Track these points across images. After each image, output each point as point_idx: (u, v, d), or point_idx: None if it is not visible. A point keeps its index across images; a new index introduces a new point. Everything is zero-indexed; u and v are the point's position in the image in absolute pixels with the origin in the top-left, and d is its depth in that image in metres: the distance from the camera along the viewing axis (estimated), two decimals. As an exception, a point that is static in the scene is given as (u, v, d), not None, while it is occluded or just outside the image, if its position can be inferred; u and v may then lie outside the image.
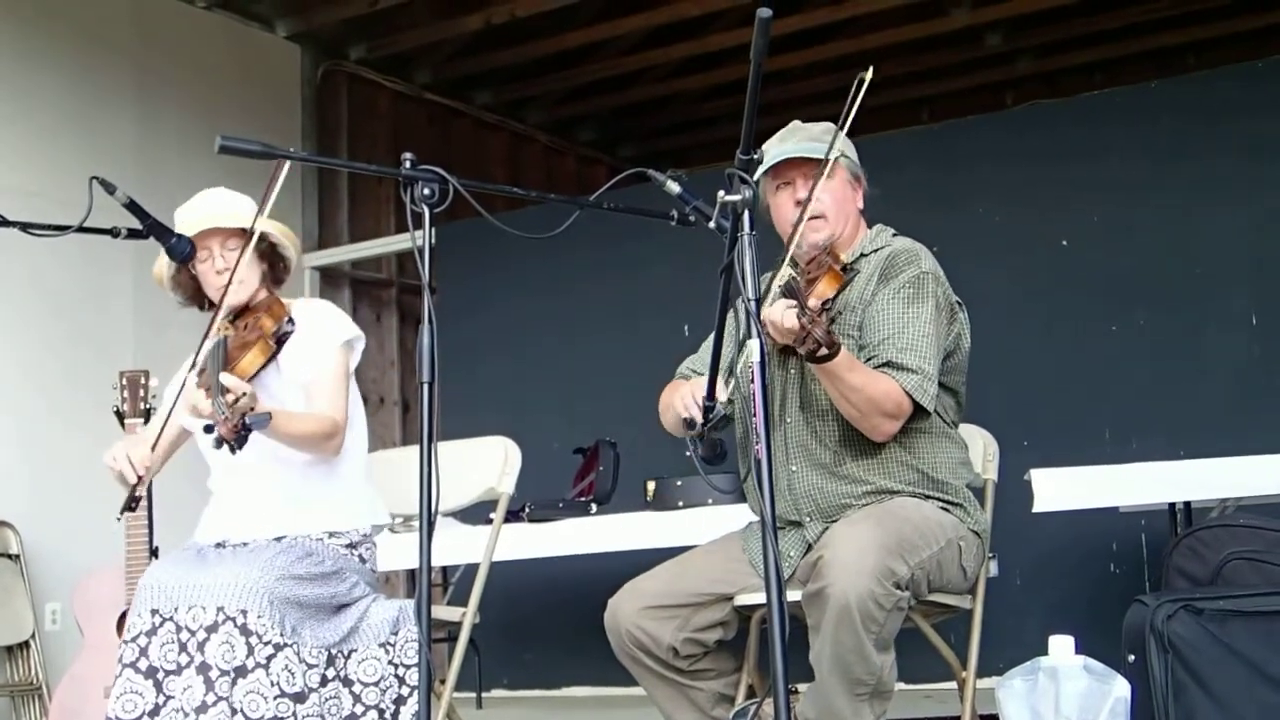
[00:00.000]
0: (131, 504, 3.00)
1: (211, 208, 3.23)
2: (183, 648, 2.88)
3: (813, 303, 2.65)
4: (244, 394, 2.80)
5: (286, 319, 3.13)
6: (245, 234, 3.18)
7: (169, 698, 2.86)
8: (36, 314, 5.87)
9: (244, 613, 2.86)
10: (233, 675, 2.83)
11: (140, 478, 3.01)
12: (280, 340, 3.10)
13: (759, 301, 2.40)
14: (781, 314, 2.66)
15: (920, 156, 5.89)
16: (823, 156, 2.96)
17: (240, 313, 3.18)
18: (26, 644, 5.50)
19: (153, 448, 3.10)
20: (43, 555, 5.62)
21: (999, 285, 5.43)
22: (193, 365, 3.03)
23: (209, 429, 2.76)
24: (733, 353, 2.92)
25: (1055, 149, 5.69)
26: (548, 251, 5.25)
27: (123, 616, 4.13)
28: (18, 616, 5.49)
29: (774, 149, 3.03)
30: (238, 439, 2.73)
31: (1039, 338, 5.57)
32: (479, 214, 2.63)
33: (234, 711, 2.82)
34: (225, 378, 2.83)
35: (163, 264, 3.23)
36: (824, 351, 2.65)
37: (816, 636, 2.68)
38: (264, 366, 3.04)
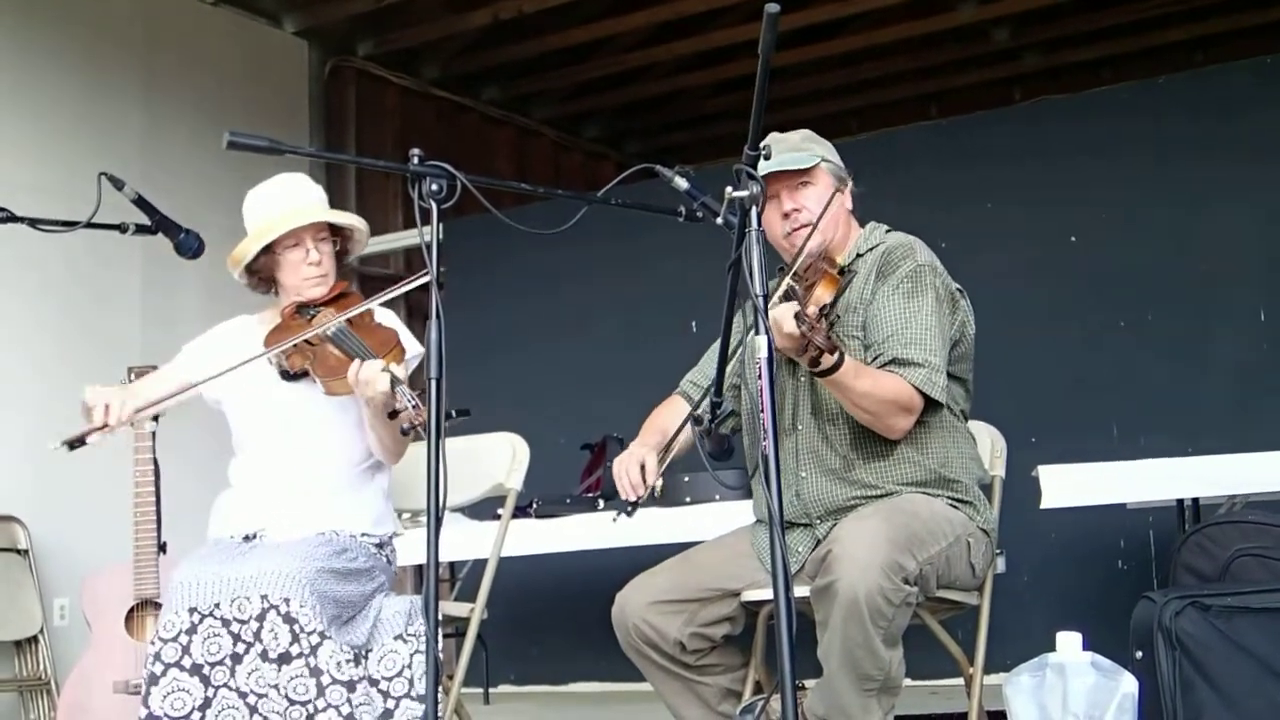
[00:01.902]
0: (76, 442, 2.97)
1: (307, 197, 3.26)
2: (236, 638, 2.89)
3: (811, 309, 2.64)
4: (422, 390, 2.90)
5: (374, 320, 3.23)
6: (330, 228, 3.26)
7: (219, 687, 2.87)
8: (44, 310, 5.88)
9: (286, 601, 2.87)
10: (281, 661, 2.85)
11: (105, 426, 2.99)
12: None
13: (766, 297, 2.40)
14: (783, 315, 2.66)
15: (928, 152, 5.90)
16: (802, 168, 3.02)
17: (327, 304, 3.23)
18: (35, 639, 5.51)
19: (139, 410, 3.08)
20: (51, 550, 5.63)
21: (1007, 281, 5.43)
22: (287, 346, 3.06)
23: (393, 415, 2.88)
24: (740, 352, 2.93)
25: (1063, 145, 5.69)
26: (555, 247, 5.23)
27: (131, 611, 4.14)
28: (26, 612, 5.50)
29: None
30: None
31: (1047, 334, 5.57)
32: (487, 209, 2.63)
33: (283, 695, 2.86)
34: (398, 369, 2.94)
35: (248, 247, 3.20)
36: (827, 360, 2.64)
37: (825, 631, 2.68)
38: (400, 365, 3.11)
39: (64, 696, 4.19)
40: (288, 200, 3.24)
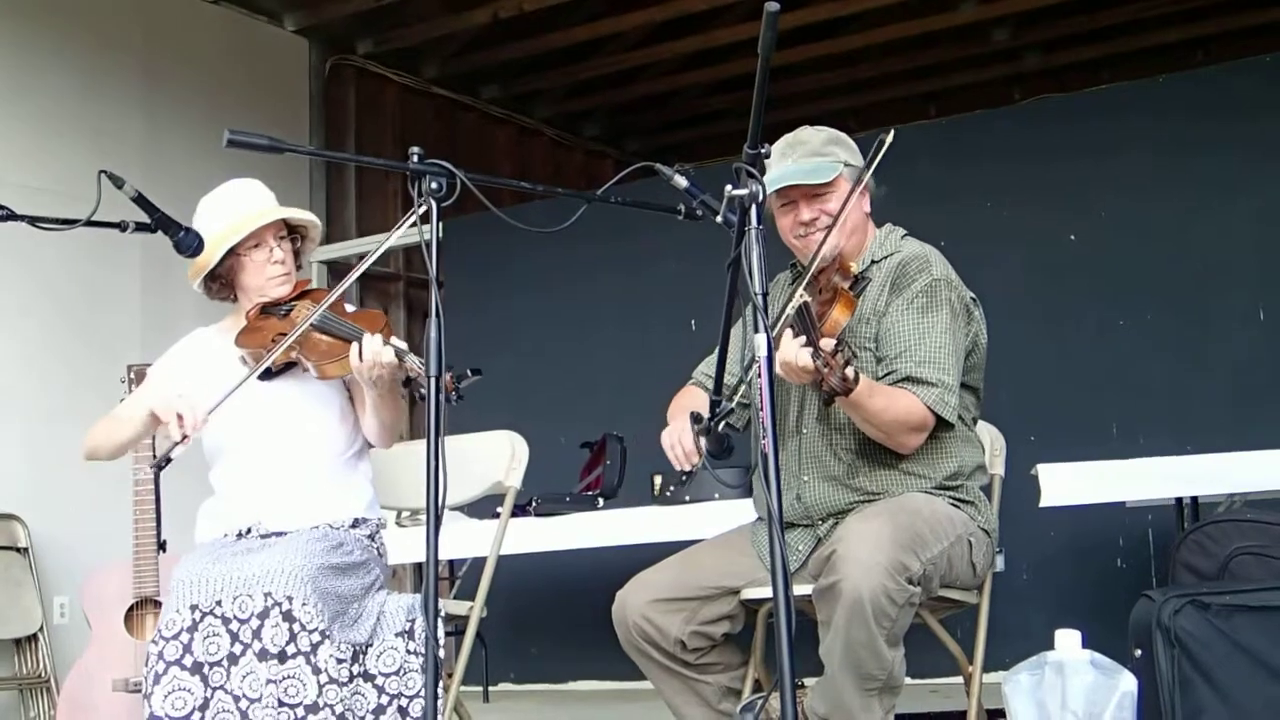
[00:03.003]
0: (165, 461, 2.94)
1: (263, 200, 3.27)
2: (234, 637, 2.88)
3: (826, 343, 2.60)
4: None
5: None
6: (287, 227, 3.27)
7: (216, 689, 2.87)
8: (44, 308, 5.88)
9: (290, 599, 2.87)
10: (277, 659, 2.85)
11: (185, 438, 2.95)
12: None
13: (766, 295, 2.40)
14: (795, 354, 2.64)
15: (928, 152, 5.89)
16: (821, 182, 2.97)
17: (294, 300, 3.23)
18: (35, 637, 5.52)
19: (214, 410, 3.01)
20: (51, 548, 5.63)
21: (1007, 280, 5.42)
22: (286, 346, 3.05)
23: (407, 383, 2.94)
24: (744, 358, 2.92)
25: (1063, 144, 5.69)
26: (555, 245, 5.25)
27: (131, 610, 4.14)
28: (26, 610, 5.50)
29: (775, 166, 3.00)
30: (456, 391, 2.79)
31: (1046, 333, 5.57)
32: (486, 208, 2.63)
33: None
34: (398, 341, 2.96)
35: (213, 252, 3.18)
36: (840, 394, 2.64)
37: (828, 631, 2.68)
38: None
39: (64, 694, 4.19)
40: (245, 203, 3.25)
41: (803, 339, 2.63)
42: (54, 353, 5.86)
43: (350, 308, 3.30)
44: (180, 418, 2.95)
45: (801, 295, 2.82)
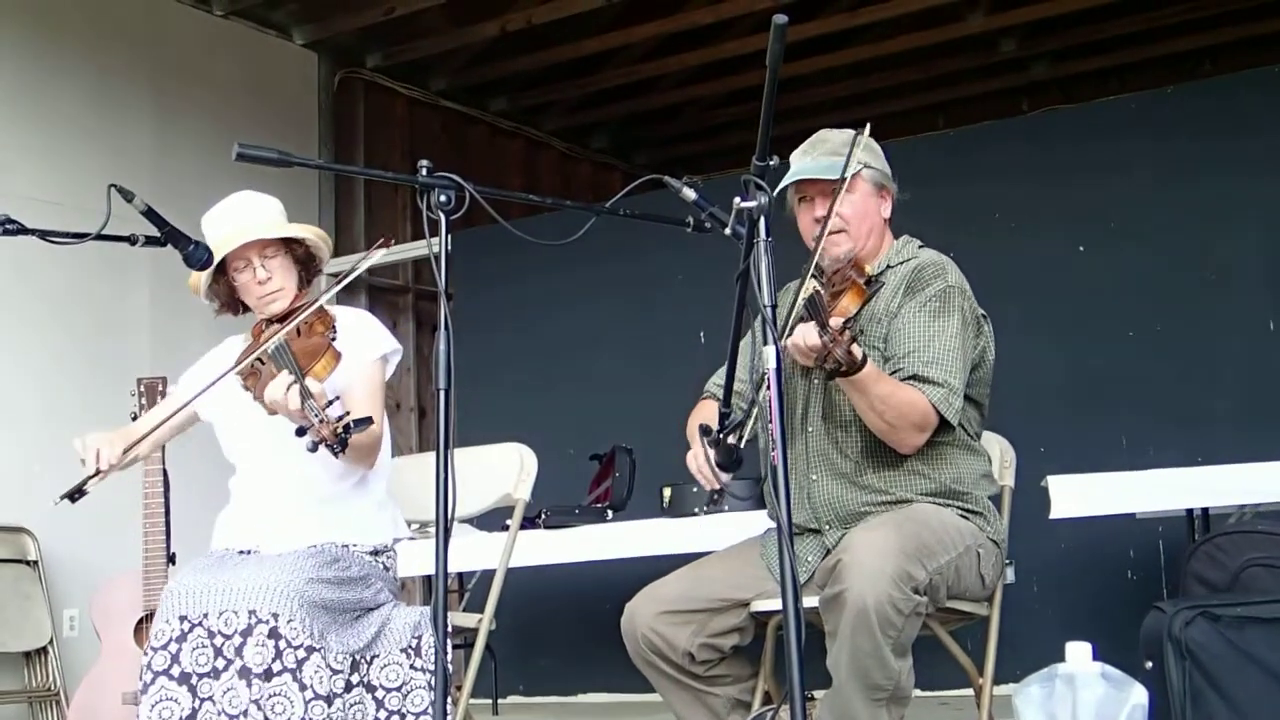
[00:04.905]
0: (76, 493, 3.08)
1: (246, 217, 3.21)
2: (218, 652, 2.88)
3: (834, 321, 2.63)
4: (336, 398, 2.86)
5: (332, 327, 3.13)
6: (281, 241, 3.21)
7: (204, 700, 2.86)
8: (55, 321, 5.89)
9: (275, 616, 2.85)
10: (262, 678, 2.84)
11: (98, 473, 3.08)
12: None
13: (775, 307, 2.40)
14: (803, 335, 2.66)
15: (937, 162, 5.89)
16: (836, 177, 2.96)
17: (284, 317, 3.17)
18: (45, 650, 5.52)
19: (128, 449, 3.17)
20: (61, 562, 5.64)
21: (1015, 291, 5.42)
22: (239, 368, 3.03)
23: (301, 432, 2.80)
24: (752, 364, 2.92)
25: (1072, 155, 5.69)
26: (563, 258, 5.26)
27: (140, 622, 4.15)
28: (36, 623, 5.51)
29: (795, 163, 3.04)
30: (340, 442, 2.76)
31: (1056, 343, 5.56)
32: (495, 220, 2.64)
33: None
34: (313, 384, 2.87)
35: (198, 276, 3.18)
36: (845, 370, 2.64)
37: (834, 641, 2.68)
38: (333, 372, 3.03)
39: (73, 707, 4.20)
40: (228, 222, 3.20)
41: (812, 322, 2.65)
42: (64, 365, 5.87)
43: (348, 314, 3.25)
44: (98, 454, 3.07)
45: (813, 286, 2.84)
